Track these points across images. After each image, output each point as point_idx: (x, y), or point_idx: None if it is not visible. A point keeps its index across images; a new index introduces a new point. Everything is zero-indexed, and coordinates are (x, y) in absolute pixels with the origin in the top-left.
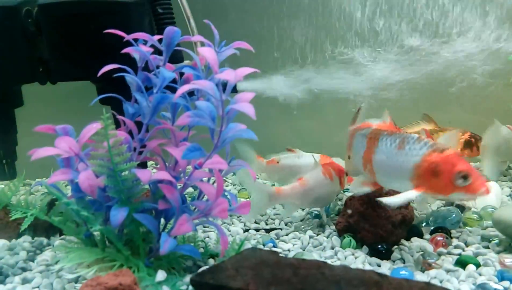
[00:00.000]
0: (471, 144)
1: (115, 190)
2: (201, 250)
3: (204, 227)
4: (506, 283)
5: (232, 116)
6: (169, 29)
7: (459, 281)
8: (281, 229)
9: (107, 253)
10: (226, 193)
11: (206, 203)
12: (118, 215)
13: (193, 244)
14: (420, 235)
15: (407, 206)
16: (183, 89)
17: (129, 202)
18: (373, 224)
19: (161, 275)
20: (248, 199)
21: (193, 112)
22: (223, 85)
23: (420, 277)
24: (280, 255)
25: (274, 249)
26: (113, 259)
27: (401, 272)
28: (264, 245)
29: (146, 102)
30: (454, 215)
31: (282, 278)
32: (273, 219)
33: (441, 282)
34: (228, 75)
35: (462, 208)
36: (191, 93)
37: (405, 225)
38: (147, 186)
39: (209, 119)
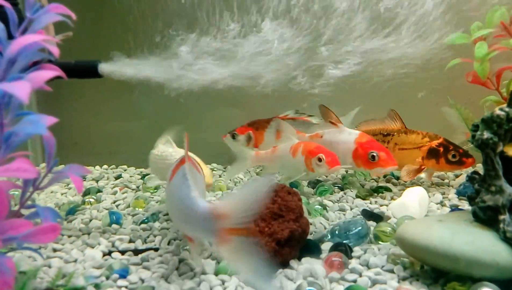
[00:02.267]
0: (438, 154)
1: None
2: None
3: (55, 250)
4: None
5: (16, 103)
6: None
7: None
8: (157, 249)
9: None
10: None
11: None
12: None
13: None
14: (317, 253)
15: (298, 219)
16: None
17: None
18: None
19: None
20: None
21: None
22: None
23: None
24: None
25: (120, 281)
26: None
27: None
28: (108, 278)
29: None
30: (360, 228)
31: None
32: (155, 236)
33: None
34: None
35: (379, 218)
36: None
37: (295, 241)
38: None
39: None
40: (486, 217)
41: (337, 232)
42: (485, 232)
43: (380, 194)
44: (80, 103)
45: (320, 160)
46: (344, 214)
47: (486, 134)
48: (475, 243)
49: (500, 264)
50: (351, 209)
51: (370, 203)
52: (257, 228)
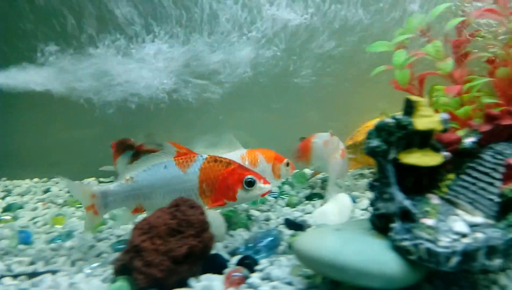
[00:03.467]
0: None
1: None
2: None
3: None
4: None
5: None
6: None
7: None
8: (55, 272)
9: None
10: None
11: None
12: None
13: None
14: (222, 268)
15: (200, 234)
16: None
17: None
18: (148, 262)
19: None
20: None
21: None
22: None
23: None
24: None
25: None
26: None
27: None
28: None
29: None
30: (271, 239)
31: None
32: (61, 256)
33: None
34: None
35: (301, 227)
36: None
37: (195, 258)
38: None
39: None
40: (381, 225)
41: (249, 244)
42: (378, 241)
43: (313, 201)
44: (17, 113)
45: (251, 183)
46: (267, 224)
47: (374, 142)
48: (364, 253)
49: (388, 274)
50: (277, 218)
51: (298, 211)
52: (152, 246)
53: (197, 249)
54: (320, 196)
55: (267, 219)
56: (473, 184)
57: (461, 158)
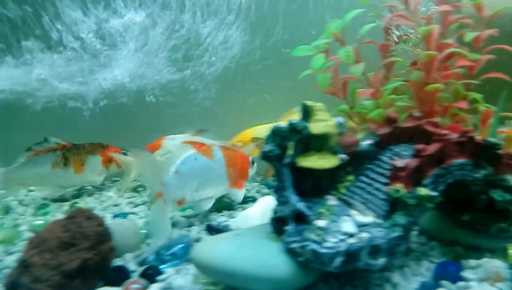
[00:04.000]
0: None
1: None
2: None
3: None
4: None
5: None
6: None
7: None
8: None
9: None
10: None
11: None
12: None
13: None
14: (124, 280)
15: (95, 246)
16: None
17: None
18: (36, 277)
19: None
20: None
21: None
22: None
23: None
24: None
25: None
26: None
27: None
28: None
29: None
30: (181, 246)
31: None
32: None
33: None
34: None
35: (221, 232)
36: None
37: (90, 271)
38: None
39: None
40: (279, 228)
41: (159, 252)
42: (274, 244)
43: (245, 205)
44: None
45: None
46: (189, 231)
47: (268, 147)
48: (255, 257)
49: (276, 277)
50: (201, 224)
51: (224, 216)
52: (42, 260)
53: (91, 262)
54: (254, 199)
55: (190, 225)
56: (369, 185)
57: (361, 160)
